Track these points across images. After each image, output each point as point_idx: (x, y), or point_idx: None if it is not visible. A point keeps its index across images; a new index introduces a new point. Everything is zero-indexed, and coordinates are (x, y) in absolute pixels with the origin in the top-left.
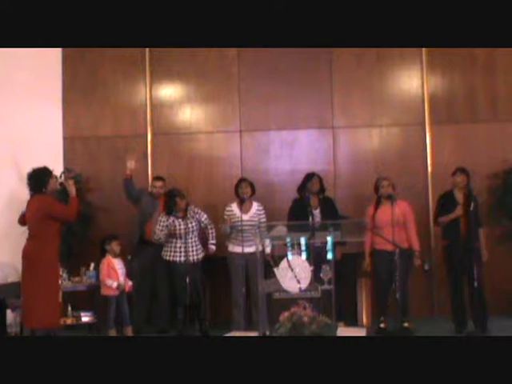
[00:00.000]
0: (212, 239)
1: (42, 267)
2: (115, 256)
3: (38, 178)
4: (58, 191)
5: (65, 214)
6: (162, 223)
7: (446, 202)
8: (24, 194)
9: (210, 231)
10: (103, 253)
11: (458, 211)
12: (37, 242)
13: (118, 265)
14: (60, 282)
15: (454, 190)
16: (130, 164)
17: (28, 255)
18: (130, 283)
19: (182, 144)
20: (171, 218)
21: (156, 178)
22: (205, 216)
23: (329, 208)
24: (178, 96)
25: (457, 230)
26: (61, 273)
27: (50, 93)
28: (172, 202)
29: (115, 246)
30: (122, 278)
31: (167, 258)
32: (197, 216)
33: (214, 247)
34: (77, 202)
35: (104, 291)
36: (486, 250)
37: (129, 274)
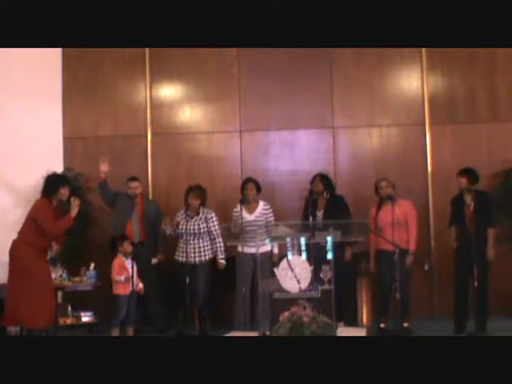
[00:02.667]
0: (221, 253)
1: (24, 266)
2: (126, 256)
3: (51, 183)
4: (63, 202)
5: (47, 227)
6: (176, 218)
7: (456, 204)
8: (25, 194)
9: (218, 244)
10: (113, 252)
11: (453, 245)
12: (20, 242)
13: (129, 264)
14: (57, 282)
15: (463, 191)
16: (104, 166)
17: (11, 254)
18: (140, 285)
19: (182, 144)
20: (181, 216)
21: (131, 179)
22: (216, 227)
23: (337, 207)
24: (178, 96)
25: (464, 230)
26: (61, 273)
27: (50, 93)
28: (185, 197)
29: (127, 247)
30: (134, 278)
31: (175, 257)
32: (209, 222)
33: (223, 261)
34: (68, 222)
35: (116, 290)
36: (492, 250)
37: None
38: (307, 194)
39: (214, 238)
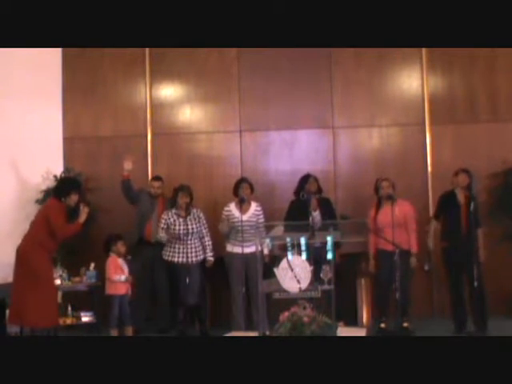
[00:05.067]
0: (210, 251)
1: (32, 267)
2: (119, 256)
3: (64, 186)
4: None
5: (57, 227)
6: (163, 220)
7: (447, 201)
8: (25, 194)
9: (207, 243)
10: (107, 252)
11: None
12: (29, 242)
13: (123, 265)
14: (57, 282)
15: (456, 190)
16: (127, 165)
17: (19, 254)
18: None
19: (182, 144)
20: (172, 217)
21: (154, 178)
22: (205, 225)
23: (327, 208)
24: (178, 96)
25: (457, 231)
26: (61, 273)
27: (50, 93)
28: (175, 195)
29: (121, 247)
30: (126, 277)
31: (167, 258)
32: (201, 221)
33: (212, 259)
34: (78, 228)
35: (109, 290)
36: (484, 250)
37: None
38: (294, 195)
39: (203, 237)
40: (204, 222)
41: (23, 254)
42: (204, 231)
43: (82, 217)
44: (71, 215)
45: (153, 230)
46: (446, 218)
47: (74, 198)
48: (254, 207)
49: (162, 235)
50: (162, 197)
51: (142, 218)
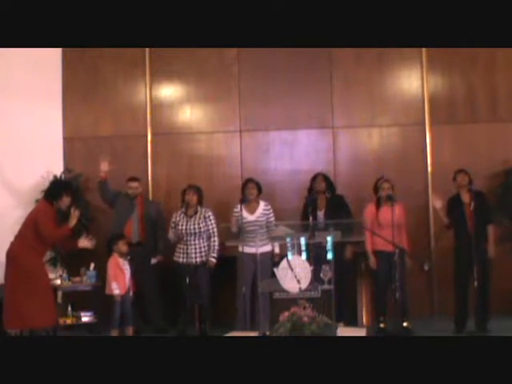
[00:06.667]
0: (213, 252)
1: (24, 268)
2: (121, 256)
3: (56, 188)
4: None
5: (46, 232)
6: (172, 220)
7: (452, 204)
8: (25, 194)
9: (213, 243)
10: (110, 252)
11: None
12: (20, 243)
13: (124, 265)
14: (57, 282)
15: (460, 191)
16: (104, 166)
17: (10, 256)
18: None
19: (182, 144)
20: (179, 216)
21: (131, 179)
22: (214, 226)
23: (338, 206)
24: (178, 96)
25: (464, 229)
26: (61, 273)
27: (50, 93)
28: (182, 197)
29: (122, 246)
30: (128, 278)
31: (174, 258)
32: (207, 221)
33: (214, 260)
34: (66, 232)
35: (109, 290)
36: (492, 247)
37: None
38: (307, 194)
39: (210, 237)
40: (213, 222)
41: (14, 257)
42: (212, 232)
43: (72, 221)
44: (63, 218)
45: (133, 230)
46: (454, 218)
47: (65, 201)
48: (262, 206)
49: (170, 235)
50: (140, 197)
51: (121, 219)
